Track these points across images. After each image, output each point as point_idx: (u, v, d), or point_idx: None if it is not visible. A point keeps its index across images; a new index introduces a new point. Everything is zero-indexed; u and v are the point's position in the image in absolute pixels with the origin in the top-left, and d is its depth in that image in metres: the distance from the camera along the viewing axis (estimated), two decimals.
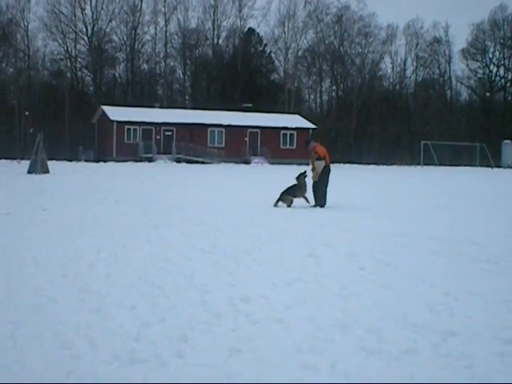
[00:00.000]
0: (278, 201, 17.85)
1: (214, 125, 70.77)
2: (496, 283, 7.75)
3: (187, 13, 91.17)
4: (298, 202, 17.94)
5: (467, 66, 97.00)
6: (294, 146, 72.44)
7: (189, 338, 5.42)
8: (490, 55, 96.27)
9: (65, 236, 11.25)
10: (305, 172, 18.29)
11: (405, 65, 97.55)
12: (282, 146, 72.85)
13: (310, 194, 18.03)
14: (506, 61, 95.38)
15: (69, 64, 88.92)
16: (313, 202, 17.96)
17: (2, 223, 13.01)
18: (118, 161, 63.12)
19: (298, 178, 18.13)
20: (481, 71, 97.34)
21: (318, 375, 4.63)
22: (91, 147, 73.47)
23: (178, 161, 66.49)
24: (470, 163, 73.91)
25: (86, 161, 65.56)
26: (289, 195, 17.90)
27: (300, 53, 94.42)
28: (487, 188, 30.88)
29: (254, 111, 76.18)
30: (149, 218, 14.46)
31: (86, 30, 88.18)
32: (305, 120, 75.72)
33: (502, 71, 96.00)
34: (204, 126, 70.36)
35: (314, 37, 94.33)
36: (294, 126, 73.48)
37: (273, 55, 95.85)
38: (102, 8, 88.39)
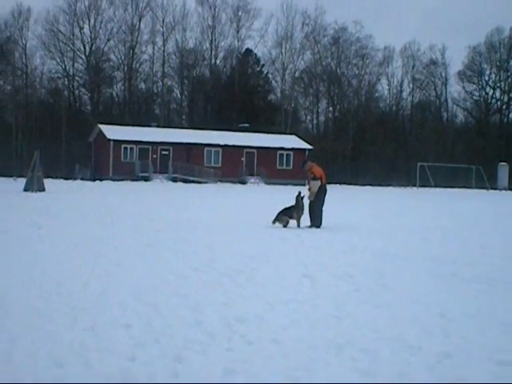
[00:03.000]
0: (275, 220, 17.83)
1: (211, 144, 70.90)
2: (491, 305, 7.75)
3: (185, 33, 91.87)
4: (294, 222, 17.91)
5: (463, 88, 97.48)
6: (291, 167, 72.52)
7: (183, 358, 5.40)
8: (487, 77, 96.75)
9: (60, 254, 11.24)
10: (300, 193, 18.15)
11: (401, 86, 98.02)
12: (278, 167, 72.91)
13: (306, 215, 17.96)
14: (502, 83, 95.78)
15: (66, 82, 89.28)
16: (303, 226, 17.80)
17: None
18: (114, 179, 63.13)
19: (296, 199, 17.97)
20: (477, 93, 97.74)
21: None
22: (88, 166, 73.54)
23: (175, 180, 66.48)
24: (465, 185, 74.02)
25: (82, 179, 65.59)
26: (285, 215, 17.86)
27: (297, 74, 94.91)
28: (483, 210, 30.89)
29: (251, 131, 76.32)
30: (144, 236, 14.44)
31: (84, 48, 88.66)
32: (301, 141, 75.86)
33: (498, 94, 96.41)
34: (201, 146, 70.47)
35: (311, 58, 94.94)
36: (290, 146, 73.59)
37: (270, 76, 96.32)
38: (100, 27, 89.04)
